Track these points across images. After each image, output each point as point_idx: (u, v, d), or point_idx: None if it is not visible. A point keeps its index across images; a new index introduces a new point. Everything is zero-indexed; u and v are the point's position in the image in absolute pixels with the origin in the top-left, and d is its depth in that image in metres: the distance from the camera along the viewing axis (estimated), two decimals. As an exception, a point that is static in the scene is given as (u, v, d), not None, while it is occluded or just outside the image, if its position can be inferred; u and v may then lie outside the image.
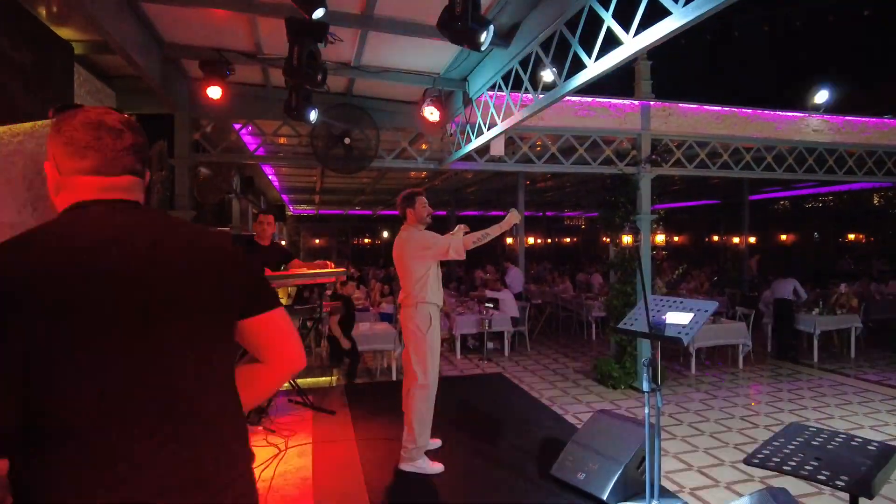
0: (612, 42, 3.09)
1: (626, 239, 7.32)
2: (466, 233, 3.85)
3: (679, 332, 2.76)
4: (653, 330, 2.76)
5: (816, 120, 8.19)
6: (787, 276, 9.42)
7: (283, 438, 4.23)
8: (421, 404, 3.71)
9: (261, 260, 4.91)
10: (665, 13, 2.57)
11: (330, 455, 3.92)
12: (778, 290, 9.14)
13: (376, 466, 3.71)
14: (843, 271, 14.39)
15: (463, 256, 3.68)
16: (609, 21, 3.06)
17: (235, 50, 5.40)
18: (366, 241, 29.69)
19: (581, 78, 3.37)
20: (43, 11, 4.41)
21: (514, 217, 3.66)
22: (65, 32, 4.74)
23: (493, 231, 3.57)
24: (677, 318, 2.86)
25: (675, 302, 3.07)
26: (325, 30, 4.08)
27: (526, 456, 3.94)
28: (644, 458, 3.32)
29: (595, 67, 3.21)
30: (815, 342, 8.73)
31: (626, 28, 2.94)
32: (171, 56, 5.51)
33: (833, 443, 1.82)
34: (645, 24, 2.81)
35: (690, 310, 2.88)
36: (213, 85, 5.44)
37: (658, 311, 3.02)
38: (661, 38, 2.62)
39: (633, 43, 2.83)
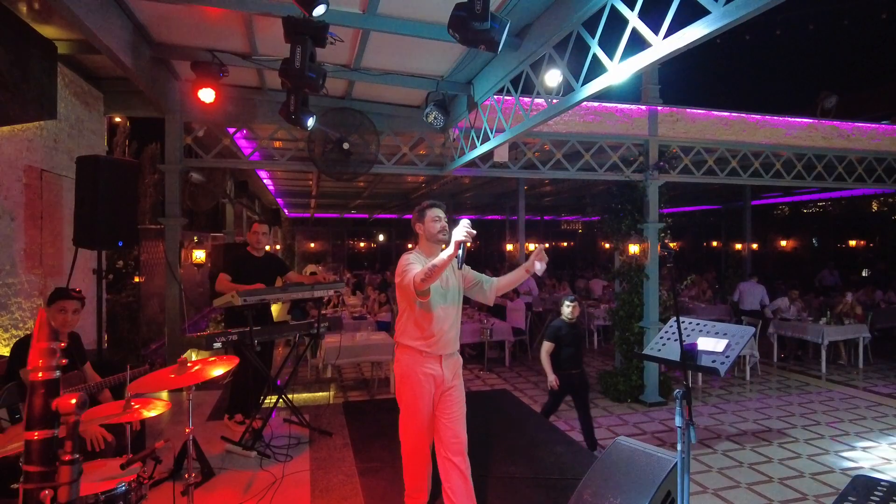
0: (636, 44, 2.86)
1: (633, 248, 7.10)
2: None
3: (714, 362, 2.52)
4: (685, 358, 2.52)
5: (826, 125, 8.01)
6: (751, 278, 9.35)
7: (279, 464, 3.97)
8: (405, 466, 3.09)
9: (254, 271, 4.65)
10: (702, 12, 2.34)
11: (329, 484, 3.66)
12: (747, 298, 9.09)
13: (379, 499, 3.45)
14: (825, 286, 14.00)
15: (412, 293, 2.83)
16: (634, 21, 2.83)
17: (229, 51, 5.15)
18: (361, 244, 29.41)
19: (602, 82, 3.14)
20: (23, 8, 4.14)
21: (460, 232, 2.62)
22: (47, 31, 4.47)
23: (440, 263, 2.68)
24: (710, 344, 2.62)
25: (704, 325, 2.83)
26: (325, 30, 3.84)
27: (539, 487, 3.69)
28: (669, 492, 3.08)
29: (618, 71, 2.98)
30: (823, 353, 8.55)
31: (654, 28, 2.71)
32: (161, 56, 5.25)
33: (914, 504, 1.58)
34: (675, 24, 2.58)
35: (724, 335, 2.64)
36: (206, 87, 5.18)
37: (687, 335, 2.78)
38: (698, 40, 2.40)
39: (662, 45, 2.60)
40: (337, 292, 4.95)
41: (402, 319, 3.06)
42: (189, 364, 2.54)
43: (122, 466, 2.17)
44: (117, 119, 9.17)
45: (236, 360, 2.77)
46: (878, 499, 1.66)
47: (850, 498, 1.69)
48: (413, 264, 2.91)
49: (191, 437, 2.55)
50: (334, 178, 6.53)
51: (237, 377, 4.71)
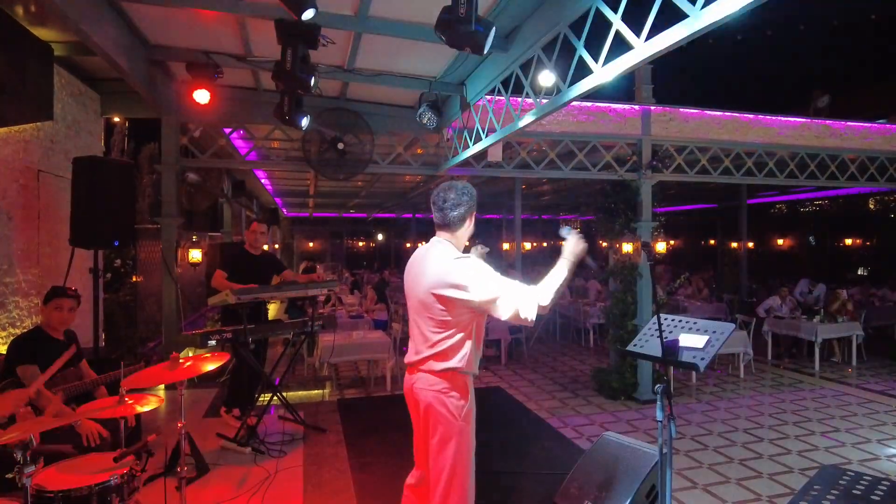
0: (621, 46, 2.91)
1: (627, 247, 7.16)
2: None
3: (694, 357, 2.58)
4: (666, 354, 2.58)
5: (819, 125, 8.06)
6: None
7: (273, 459, 4.04)
8: None
9: (251, 270, 4.71)
10: (681, 16, 2.40)
11: (321, 479, 3.72)
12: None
13: (370, 493, 3.52)
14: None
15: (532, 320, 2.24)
16: (618, 24, 2.89)
17: (224, 52, 5.20)
18: (360, 244, 29.47)
19: (587, 84, 3.20)
20: (20, 10, 4.19)
21: (573, 245, 2.44)
22: (43, 33, 4.53)
23: (559, 276, 2.36)
24: (691, 340, 2.68)
25: (686, 322, 2.89)
26: (317, 32, 3.90)
27: (527, 480, 3.76)
28: (654, 486, 3.15)
29: (602, 73, 3.04)
30: (817, 351, 8.61)
31: (637, 31, 2.76)
32: (157, 58, 5.31)
33: (877, 492, 1.64)
34: (657, 27, 2.64)
35: (705, 332, 2.70)
36: (201, 88, 5.23)
37: (669, 332, 2.84)
38: (677, 43, 2.45)
39: (644, 48, 2.66)
40: (330, 290, 5.00)
41: (459, 343, 2.37)
42: (181, 360, 2.60)
43: (115, 460, 2.23)
44: (115, 119, 9.22)
45: (228, 357, 2.83)
46: (842, 487, 1.72)
47: (815, 487, 1.75)
48: (491, 272, 2.34)
49: (184, 433, 2.60)
50: (329, 177, 6.59)
51: (237, 372, 4.77)
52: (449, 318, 2.34)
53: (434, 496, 2.32)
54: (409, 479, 2.64)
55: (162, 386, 5.80)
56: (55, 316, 3.25)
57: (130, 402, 2.54)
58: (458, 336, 2.36)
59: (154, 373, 2.58)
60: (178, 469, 2.54)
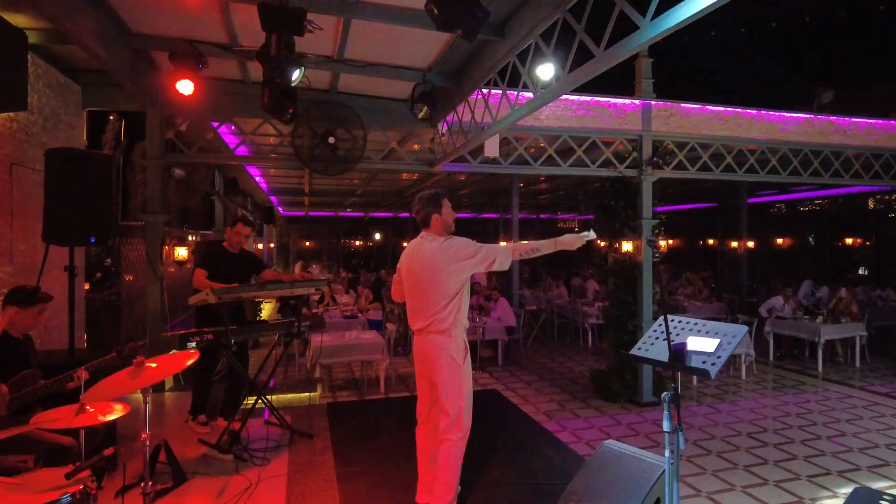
0: (624, 28, 2.72)
1: (627, 245, 6.97)
2: None
3: (704, 363, 2.38)
4: (674, 359, 2.39)
5: (822, 121, 7.88)
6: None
7: (256, 468, 3.83)
8: (459, 456, 3.12)
9: (229, 268, 4.51)
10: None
11: (305, 490, 3.52)
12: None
13: (357, 504, 3.32)
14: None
15: (506, 267, 3.15)
16: (621, 3, 2.69)
17: (209, 41, 4.99)
18: (357, 243, 29.24)
19: (589, 69, 3.00)
20: (-10, -5, 3.99)
21: (575, 240, 3.01)
22: (17, 19, 4.31)
23: (546, 247, 3.06)
24: (701, 343, 2.48)
25: (695, 324, 2.69)
26: (303, 17, 3.69)
27: (524, 491, 3.56)
28: (659, 500, 2.94)
29: (605, 57, 2.84)
30: (820, 351, 8.43)
31: (642, 11, 2.56)
32: (139, 47, 5.09)
33: (918, 519, 1.44)
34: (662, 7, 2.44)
35: (715, 334, 2.50)
36: (185, 79, 5.01)
37: (676, 334, 2.64)
38: (686, 20, 2.26)
39: (650, 27, 2.46)
40: (319, 289, 4.80)
41: (456, 303, 3.12)
42: (146, 363, 2.39)
43: (68, 476, 2.02)
44: (111, 117, 9.00)
45: (197, 355, 2.61)
46: (878, 513, 1.52)
47: (848, 512, 1.55)
48: (483, 244, 3.16)
49: (149, 443, 2.40)
50: (321, 174, 6.38)
51: (200, 377, 4.58)
52: (451, 290, 3.09)
53: (445, 421, 3.09)
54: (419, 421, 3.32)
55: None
56: (39, 320, 3.07)
57: (92, 410, 2.33)
58: (457, 302, 3.12)
59: (115, 381, 2.36)
60: (143, 484, 2.33)
